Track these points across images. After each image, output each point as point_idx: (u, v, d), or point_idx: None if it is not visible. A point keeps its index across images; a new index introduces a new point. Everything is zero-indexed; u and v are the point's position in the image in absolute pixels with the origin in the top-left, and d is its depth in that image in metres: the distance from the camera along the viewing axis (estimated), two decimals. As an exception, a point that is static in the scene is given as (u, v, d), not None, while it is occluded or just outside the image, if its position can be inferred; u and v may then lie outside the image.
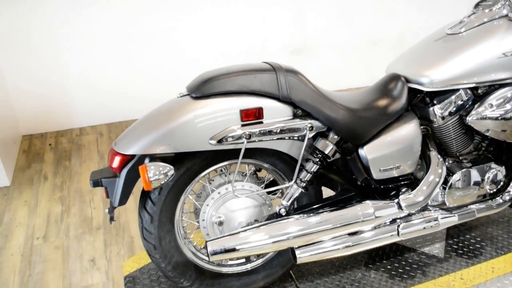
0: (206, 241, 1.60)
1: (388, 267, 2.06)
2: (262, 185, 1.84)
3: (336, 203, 1.75)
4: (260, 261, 1.88)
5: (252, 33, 3.70)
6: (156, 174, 1.49)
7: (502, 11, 1.87)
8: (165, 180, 1.51)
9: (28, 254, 2.30)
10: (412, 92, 1.84)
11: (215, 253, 1.56)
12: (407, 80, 1.81)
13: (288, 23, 3.72)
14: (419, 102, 1.87)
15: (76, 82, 3.57)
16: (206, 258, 1.78)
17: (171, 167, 1.51)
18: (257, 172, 1.92)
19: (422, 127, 1.90)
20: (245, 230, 1.60)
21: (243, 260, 1.86)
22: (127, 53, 3.57)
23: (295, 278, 1.99)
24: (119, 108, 3.73)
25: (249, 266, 1.87)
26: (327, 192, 1.91)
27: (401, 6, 3.97)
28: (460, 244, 2.20)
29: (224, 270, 1.85)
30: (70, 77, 3.55)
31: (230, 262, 1.86)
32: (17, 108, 3.51)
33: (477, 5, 1.97)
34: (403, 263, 2.08)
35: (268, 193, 1.84)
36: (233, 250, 1.57)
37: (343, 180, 1.86)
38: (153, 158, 1.54)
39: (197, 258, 1.80)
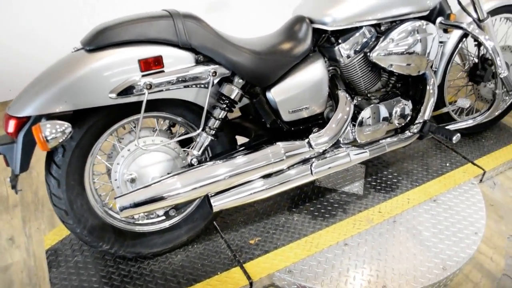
0: (115, 198, 1.55)
1: (311, 208, 2.11)
2: (177, 138, 1.80)
3: (249, 149, 1.74)
4: (180, 216, 1.86)
5: None
6: (52, 133, 1.40)
7: None
8: (63, 139, 1.43)
9: None
10: (318, 32, 1.84)
11: (124, 208, 1.52)
12: (312, 21, 1.81)
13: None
14: (325, 43, 1.88)
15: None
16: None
17: (68, 124, 1.43)
18: (171, 128, 1.87)
19: (331, 67, 1.92)
20: (153, 183, 1.56)
21: (163, 217, 1.83)
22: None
23: (219, 229, 1.99)
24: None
25: (169, 222, 1.84)
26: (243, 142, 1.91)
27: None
28: (378, 181, 2.29)
29: (145, 228, 1.82)
30: None
31: (150, 221, 1.83)
32: None
33: None
34: (325, 203, 2.14)
35: (183, 146, 1.80)
36: (143, 203, 1.53)
37: (256, 127, 1.86)
38: (50, 118, 1.45)
39: (113, 219, 1.75)
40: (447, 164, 2.43)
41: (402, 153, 2.51)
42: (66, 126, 1.43)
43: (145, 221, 1.82)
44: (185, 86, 1.57)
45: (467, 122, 2.25)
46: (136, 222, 1.81)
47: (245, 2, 3.71)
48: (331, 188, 2.23)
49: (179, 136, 1.69)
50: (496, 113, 2.67)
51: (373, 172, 2.35)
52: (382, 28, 1.90)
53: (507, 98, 2.56)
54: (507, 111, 2.74)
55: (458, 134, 1.95)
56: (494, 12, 2.30)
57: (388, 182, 2.28)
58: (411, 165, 2.42)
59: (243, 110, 1.98)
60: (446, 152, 2.53)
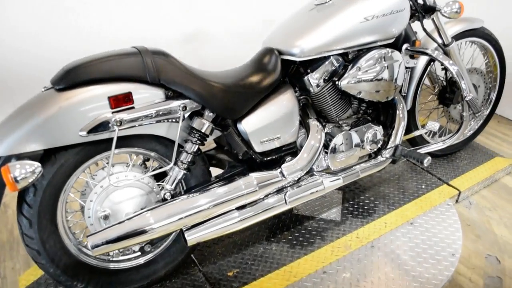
0: (87, 236, 1.54)
1: (289, 237, 2.11)
2: (149, 173, 1.80)
3: (223, 180, 1.75)
4: (157, 250, 1.84)
5: (142, 24, 3.54)
6: (21, 173, 1.39)
7: (362, -21, 1.96)
8: (33, 179, 1.42)
9: None
10: (287, 63, 1.88)
11: (96, 246, 1.50)
12: (280, 53, 1.85)
13: (179, 10, 3.62)
14: (295, 73, 1.92)
15: None
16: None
17: (38, 164, 1.43)
18: (145, 162, 1.87)
19: (301, 96, 1.96)
20: (126, 220, 1.55)
21: (139, 253, 1.81)
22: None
23: (197, 263, 1.98)
24: None
25: (145, 258, 1.82)
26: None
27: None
28: (356, 206, 2.31)
29: (121, 265, 1.80)
30: None
31: (125, 257, 1.81)
32: None
33: (340, -24, 2.06)
34: (303, 231, 2.14)
35: (158, 180, 1.80)
36: (115, 241, 1.51)
37: (230, 157, 1.87)
38: (20, 158, 1.44)
39: (88, 257, 1.73)
40: (423, 186, 2.46)
41: (378, 177, 2.54)
42: (36, 166, 1.42)
43: (120, 258, 1.80)
44: (156, 121, 1.59)
45: (439, 145, 2.30)
46: (111, 259, 1.79)
47: (221, 33, 3.76)
48: (309, 215, 2.24)
49: (152, 170, 1.69)
50: (468, 134, 2.74)
51: (350, 197, 2.37)
52: (350, 56, 1.95)
53: (473, 120, 2.64)
54: (479, 131, 2.80)
55: (429, 157, 1.99)
56: (459, 36, 2.37)
57: (365, 207, 2.30)
58: (388, 188, 2.45)
59: (217, 141, 1.99)
60: (422, 174, 2.57)
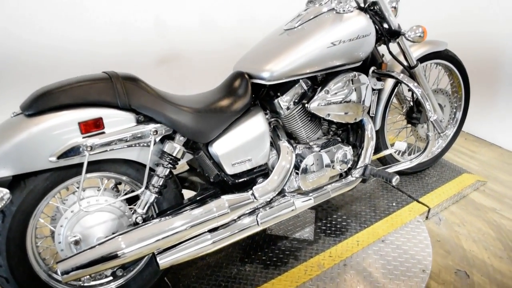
0: (57, 262, 1.53)
1: (263, 258, 2.13)
2: (126, 195, 1.80)
3: (196, 203, 1.76)
4: (129, 274, 1.83)
5: (113, 44, 3.54)
6: (-12, 200, 1.39)
7: (330, 4, 2.04)
8: (1, 206, 1.41)
9: None
10: (257, 87, 1.92)
11: (66, 272, 1.49)
12: (250, 76, 1.89)
13: (151, 32, 3.64)
14: (265, 96, 1.96)
15: None
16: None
17: (6, 190, 1.42)
18: (118, 185, 1.87)
19: (272, 119, 2.00)
20: (96, 245, 1.55)
21: (110, 277, 1.80)
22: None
23: (171, 286, 1.97)
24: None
25: (118, 283, 1.81)
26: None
27: (262, 6, 4.07)
28: (328, 225, 2.34)
29: (93, 291, 1.78)
30: None
31: (97, 282, 1.79)
32: None
33: (308, 2, 2.13)
34: (276, 251, 2.16)
35: (131, 203, 1.80)
36: (85, 266, 1.51)
37: (203, 180, 1.89)
38: (-11, 184, 1.44)
39: (58, 283, 1.71)
40: (394, 204, 2.51)
41: (350, 196, 2.58)
42: (4, 193, 1.42)
43: (92, 283, 1.78)
44: (127, 146, 1.60)
45: (407, 163, 2.36)
46: (82, 284, 1.77)
47: (195, 56, 3.80)
48: (282, 235, 2.27)
49: (124, 195, 1.69)
50: (436, 152, 2.82)
51: (323, 216, 2.41)
52: (319, 79, 2.01)
53: (441, 139, 2.73)
54: (446, 149, 2.89)
55: (397, 177, 2.04)
56: (424, 58, 2.46)
57: (338, 226, 2.34)
58: (359, 207, 2.49)
59: (189, 163, 2.01)
60: (392, 192, 2.63)
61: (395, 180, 2.03)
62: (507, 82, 3.32)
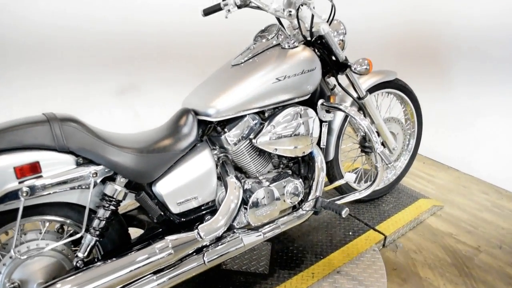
0: (-13, 315, 1.47)
1: (216, 294, 2.10)
2: (64, 240, 1.76)
3: (140, 244, 1.73)
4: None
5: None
6: None
7: (276, 40, 2.07)
8: None
9: None
10: (204, 123, 1.92)
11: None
12: (197, 113, 1.89)
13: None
14: (213, 132, 1.96)
15: None
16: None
17: None
18: (63, 226, 1.83)
19: (221, 154, 1.99)
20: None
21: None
22: None
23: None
24: None
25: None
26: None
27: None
28: (284, 257, 2.33)
29: None
30: None
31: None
32: None
33: (256, 37, 2.16)
34: (230, 287, 2.13)
35: (77, 245, 1.76)
36: (18, 317, 1.46)
37: (150, 218, 1.86)
38: None
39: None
40: (350, 233, 2.52)
41: (307, 226, 2.59)
42: None
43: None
44: (66, 189, 1.57)
45: (361, 193, 2.37)
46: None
47: (155, 86, 3.81)
48: (237, 269, 2.24)
49: (64, 239, 1.66)
50: (392, 179, 2.86)
51: (279, 248, 2.40)
52: (266, 114, 2.02)
53: (388, 170, 2.78)
54: (402, 176, 2.94)
55: (346, 209, 2.05)
56: (375, 88, 2.52)
57: (294, 258, 2.33)
58: (317, 237, 2.49)
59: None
60: (350, 220, 2.64)
61: (345, 212, 2.04)
62: (457, 109, 3.43)
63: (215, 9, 2.20)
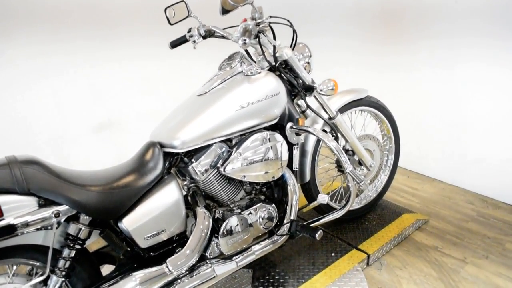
0: None
1: (195, 327, 2.06)
2: (31, 282, 1.74)
3: (108, 281, 1.72)
4: None
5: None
6: None
7: (239, 68, 2.09)
8: None
9: None
10: (171, 155, 1.93)
11: None
12: (162, 145, 1.90)
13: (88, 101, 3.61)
14: (180, 163, 1.97)
15: None
16: None
17: None
18: (34, 268, 1.82)
19: (191, 184, 1.99)
20: None
21: None
22: None
23: None
24: None
25: None
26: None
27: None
28: (266, 283, 2.31)
29: None
30: None
31: None
32: None
33: (221, 65, 2.18)
34: (210, 318, 2.11)
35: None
36: None
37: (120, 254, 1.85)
38: None
39: None
40: (332, 254, 2.50)
41: (289, 249, 2.56)
42: None
43: None
44: (30, 231, 1.57)
45: (339, 212, 2.35)
46: None
47: (132, 121, 3.80)
48: (217, 299, 2.22)
49: (30, 280, 1.64)
50: (372, 197, 2.85)
51: (260, 275, 2.37)
52: (233, 142, 2.03)
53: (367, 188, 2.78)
54: (384, 192, 2.92)
55: (320, 231, 2.04)
56: (346, 107, 2.53)
57: (275, 283, 2.30)
58: (298, 260, 2.47)
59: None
60: (332, 240, 2.62)
61: (318, 235, 2.02)
62: (437, 120, 3.43)
63: (182, 41, 2.23)
